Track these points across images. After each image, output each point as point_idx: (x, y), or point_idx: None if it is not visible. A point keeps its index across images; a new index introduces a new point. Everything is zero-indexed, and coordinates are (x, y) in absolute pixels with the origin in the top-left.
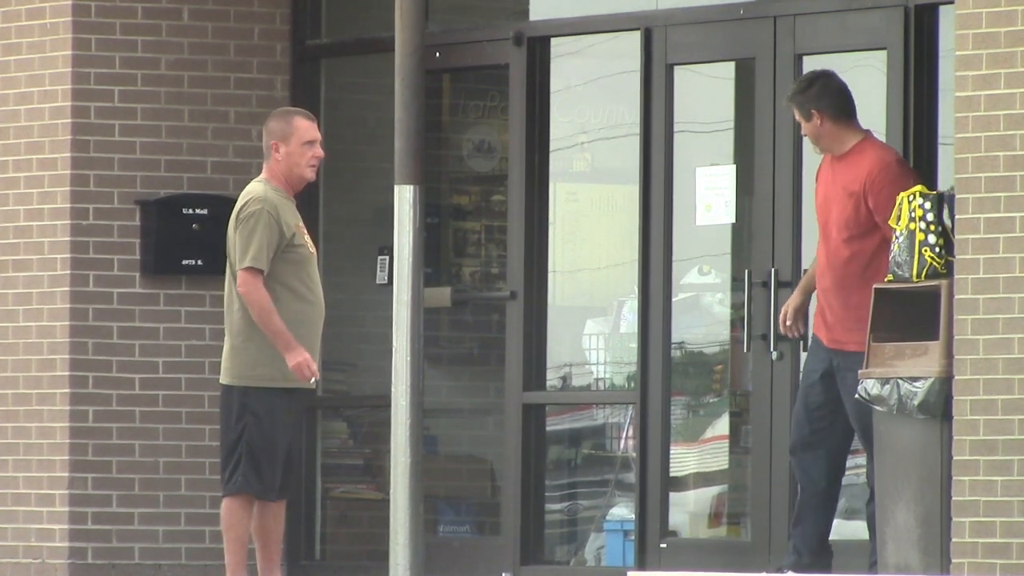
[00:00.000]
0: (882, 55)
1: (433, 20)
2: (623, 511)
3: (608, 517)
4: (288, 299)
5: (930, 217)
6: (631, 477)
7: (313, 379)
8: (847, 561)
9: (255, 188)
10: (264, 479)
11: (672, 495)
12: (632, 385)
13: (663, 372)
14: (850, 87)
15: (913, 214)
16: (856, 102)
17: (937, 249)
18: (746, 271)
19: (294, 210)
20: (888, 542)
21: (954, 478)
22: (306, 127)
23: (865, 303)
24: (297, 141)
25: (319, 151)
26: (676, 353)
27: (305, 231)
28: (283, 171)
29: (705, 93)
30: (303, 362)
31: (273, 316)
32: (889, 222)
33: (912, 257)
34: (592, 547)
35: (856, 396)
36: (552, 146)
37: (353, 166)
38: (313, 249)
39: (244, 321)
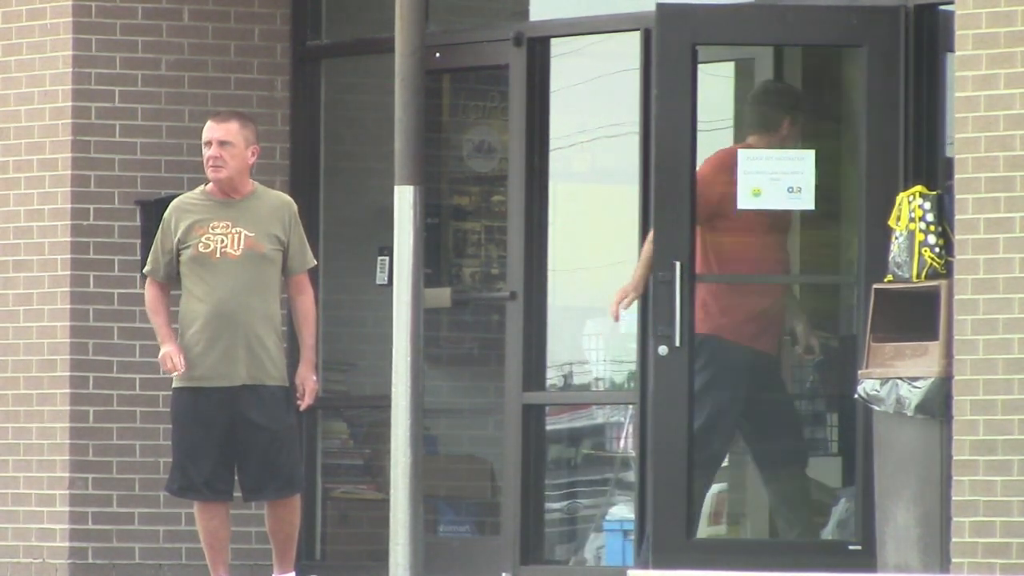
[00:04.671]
0: (880, 54)
1: (433, 20)
2: (623, 511)
3: (608, 517)
4: (184, 299)
5: (930, 217)
6: (631, 477)
7: (176, 372)
8: (847, 561)
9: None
10: (174, 477)
11: None
12: (632, 385)
13: None
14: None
15: (913, 214)
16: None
17: (937, 249)
18: None
19: (214, 211)
20: (888, 542)
21: (954, 478)
22: (205, 128)
23: None
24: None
25: (213, 151)
26: None
27: (221, 230)
28: None
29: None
30: (165, 355)
31: (153, 316)
32: (889, 222)
33: (912, 257)
34: (592, 547)
35: (856, 396)
36: (552, 146)
37: (353, 166)
38: (212, 248)
39: None
